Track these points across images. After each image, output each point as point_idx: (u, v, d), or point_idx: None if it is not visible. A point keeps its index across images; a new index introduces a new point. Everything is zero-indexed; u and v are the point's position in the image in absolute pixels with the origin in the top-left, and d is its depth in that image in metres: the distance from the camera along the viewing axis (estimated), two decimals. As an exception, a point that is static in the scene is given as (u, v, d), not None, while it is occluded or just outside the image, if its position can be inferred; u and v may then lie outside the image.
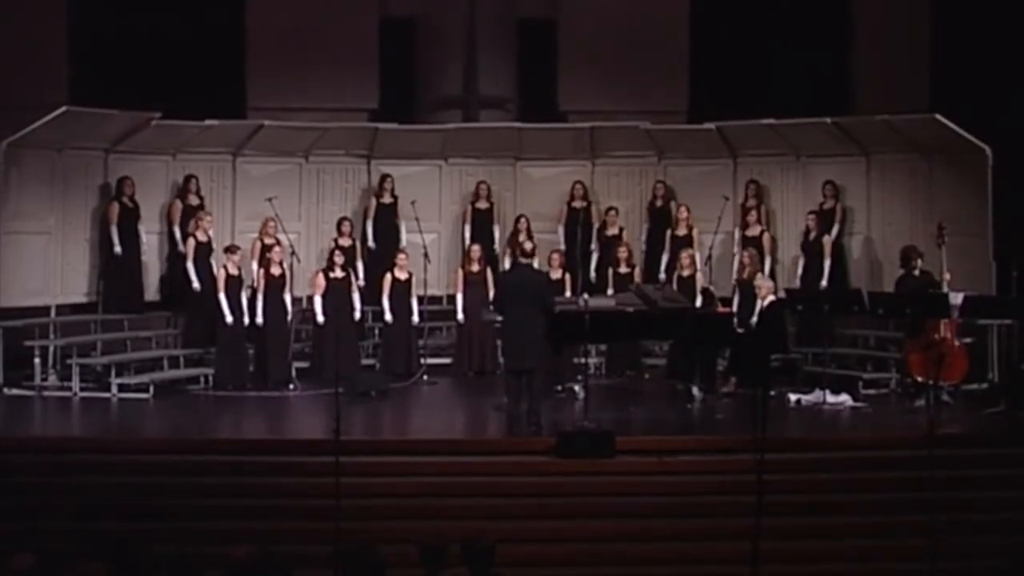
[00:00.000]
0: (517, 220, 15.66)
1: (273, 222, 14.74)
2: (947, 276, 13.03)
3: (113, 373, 13.61)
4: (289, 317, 14.36)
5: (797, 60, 17.04)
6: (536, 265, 12.30)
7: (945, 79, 16.68)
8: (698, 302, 13.89)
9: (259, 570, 6.45)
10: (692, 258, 14.60)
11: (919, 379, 12.88)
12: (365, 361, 15.03)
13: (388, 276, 14.86)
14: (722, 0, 17.50)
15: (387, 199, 15.79)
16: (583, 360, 12.80)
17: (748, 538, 8.54)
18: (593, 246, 15.72)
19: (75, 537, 8.49)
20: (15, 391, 13.65)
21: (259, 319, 14.17)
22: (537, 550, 9.83)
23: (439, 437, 11.71)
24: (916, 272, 13.37)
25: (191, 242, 14.53)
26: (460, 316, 15.02)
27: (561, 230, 15.81)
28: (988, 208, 14.03)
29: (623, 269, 15.01)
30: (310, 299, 14.72)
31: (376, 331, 15.51)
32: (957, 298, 12.71)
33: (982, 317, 13.36)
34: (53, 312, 14.39)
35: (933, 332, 12.83)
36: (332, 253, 14.72)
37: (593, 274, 15.40)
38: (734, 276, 14.69)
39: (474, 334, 15.01)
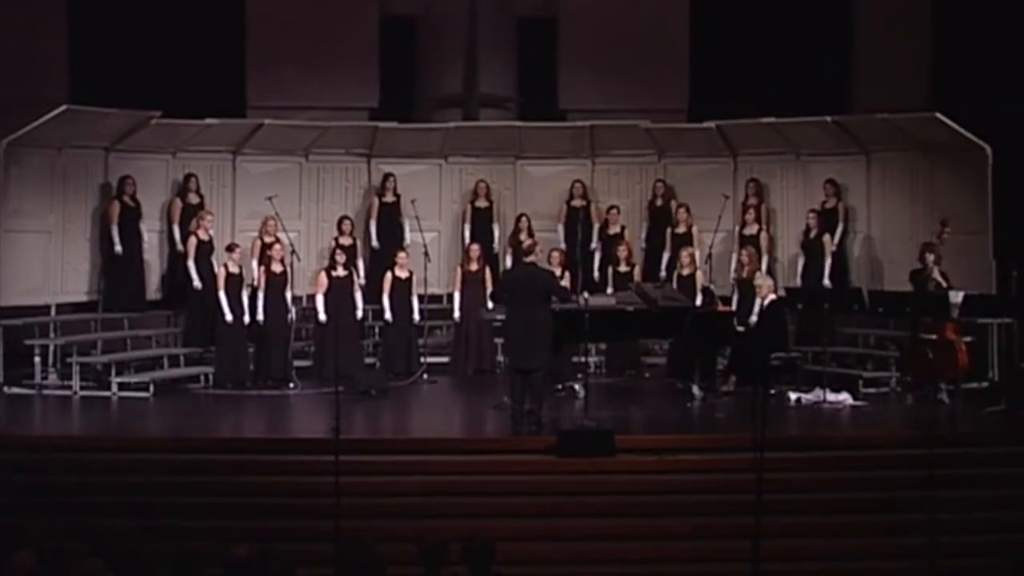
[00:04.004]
0: (518, 219, 15.66)
1: (273, 220, 14.74)
2: (935, 273, 13.03)
3: (113, 372, 13.61)
4: (291, 315, 14.35)
5: (797, 59, 17.05)
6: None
7: (945, 79, 16.69)
8: (698, 301, 13.90)
9: (259, 570, 6.45)
10: (692, 257, 14.58)
11: (915, 378, 12.92)
12: (366, 360, 15.03)
13: (388, 275, 14.85)
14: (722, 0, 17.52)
15: (389, 198, 15.78)
16: (583, 359, 12.79)
17: (748, 537, 8.55)
18: (594, 245, 15.73)
19: (75, 536, 8.48)
20: (15, 390, 13.64)
21: (259, 317, 14.17)
22: (537, 549, 9.82)
23: (439, 436, 11.68)
24: (929, 270, 13.36)
25: (192, 241, 14.53)
26: (456, 315, 15.04)
27: (561, 229, 15.82)
28: (988, 207, 14.04)
29: (623, 268, 15.01)
30: (311, 298, 14.72)
31: (376, 330, 15.52)
32: (957, 297, 12.71)
33: (982, 316, 13.35)
34: (53, 311, 14.39)
35: (923, 331, 12.84)
36: (334, 252, 14.72)
37: (596, 273, 15.41)
38: (733, 274, 14.69)
39: (471, 333, 15.02)
